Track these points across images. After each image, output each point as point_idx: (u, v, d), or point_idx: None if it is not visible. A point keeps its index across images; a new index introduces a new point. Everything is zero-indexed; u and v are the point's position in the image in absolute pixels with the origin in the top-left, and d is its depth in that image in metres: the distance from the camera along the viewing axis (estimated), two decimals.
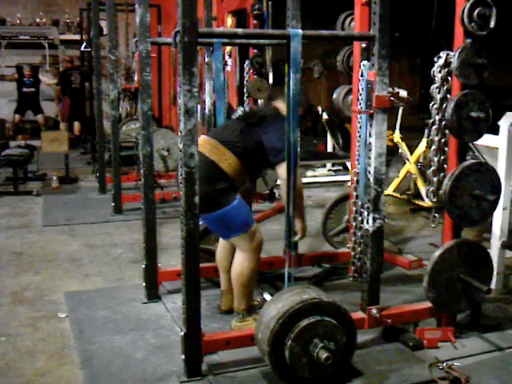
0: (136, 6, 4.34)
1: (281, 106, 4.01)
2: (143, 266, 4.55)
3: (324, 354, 3.14)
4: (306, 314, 3.21)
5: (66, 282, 4.98)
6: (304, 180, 8.49)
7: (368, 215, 3.61)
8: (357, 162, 4.38)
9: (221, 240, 4.26)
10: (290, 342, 3.17)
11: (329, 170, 9.56)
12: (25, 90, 12.72)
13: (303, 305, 3.22)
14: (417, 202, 7.39)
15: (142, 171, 4.52)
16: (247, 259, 3.89)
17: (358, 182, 4.03)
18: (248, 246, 3.88)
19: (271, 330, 3.19)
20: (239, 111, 4.12)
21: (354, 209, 4.46)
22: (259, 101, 6.76)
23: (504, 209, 4.56)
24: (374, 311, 3.70)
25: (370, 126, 3.52)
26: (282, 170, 3.77)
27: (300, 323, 3.19)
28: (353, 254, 4.48)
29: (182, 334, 3.36)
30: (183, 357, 3.37)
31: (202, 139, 3.95)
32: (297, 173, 3.63)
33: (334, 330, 3.24)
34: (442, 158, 3.73)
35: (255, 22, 6.84)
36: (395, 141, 7.68)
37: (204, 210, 3.61)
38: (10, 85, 13.06)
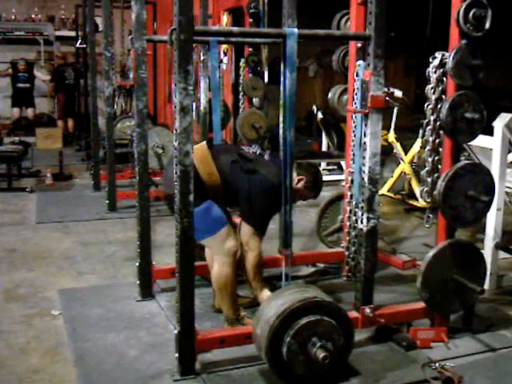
0: (132, 2, 4.33)
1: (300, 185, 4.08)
2: (137, 263, 4.54)
3: (322, 354, 3.15)
4: (306, 312, 3.22)
5: (59, 280, 4.97)
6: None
7: (362, 215, 3.62)
8: (351, 162, 4.40)
9: None
10: (288, 338, 3.18)
11: (323, 170, 9.56)
12: (20, 85, 12.69)
13: (304, 303, 3.23)
14: (411, 202, 7.40)
15: (136, 169, 4.52)
16: (220, 264, 3.91)
17: (352, 181, 4.04)
18: (218, 249, 3.90)
19: (271, 326, 3.19)
20: (251, 149, 4.13)
21: (348, 208, 4.48)
22: (254, 100, 6.76)
23: (498, 209, 4.58)
24: (368, 311, 3.70)
25: (365, 125, 3.52)
26: (244, 230, 3.88)
27: (300, 321, 3.19)
28: (347, 253, 4.50)
29: (175, 332, 3.36)
30: (177, 355, 3.37)
31: (202, 146, 4.00)
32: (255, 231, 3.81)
33: (333, 331, 3.25)
34: (437, 158, 3.74)
35: (251, 20, 6.84)
36: (390, 141, 7.69)
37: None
38: (4, 80, 13.02)
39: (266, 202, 3.86)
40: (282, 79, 3.43)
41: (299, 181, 4.03)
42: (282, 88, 3.43)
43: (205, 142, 4.08)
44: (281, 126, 3.51)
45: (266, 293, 3.93)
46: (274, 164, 4.00)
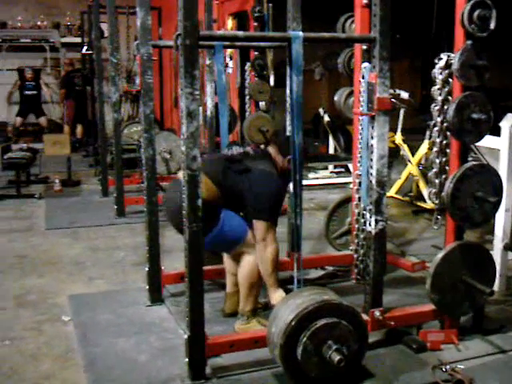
0: (137, 9, 4.34)
1: (273, 152, 4.09)
2: (146, 269, 4.55)
3: (337, 357, 3.14)
4: (324, 314, 3.21)
5: (69, 285, 4.99)
6: (306, 182, 8.51)
7: (370, 217, 3.61)
8: (359, 164, 4.40)
9: None
10: (304, 339, 3.17)
11: (331, 172, 9.56)
12: (27, 93, 12.76)
13: (324, 304, 3.23)
14: (419, 203, 7.38)
15: (144, 174, 4.53)
16: (255, 260, 3.91)
17: (360, 184, 4.04)
18: (253, 249, 3.89)
19: (288, 323, 3.17)
20: (233, 150, 4.10)
21: (356, 211, 4.47)
22: (261, 103, 6.77)
23: (506, 210, 4.56)
24: (377, 313, 3.69)
25: (372, 128, 3.52)
26: (258, 229, 3.83)
27: (318, 322, 3.18)
28: (355, 256, 4.48)
29: (185, 336, 3.36)
30: (187, 360, 3.38)
31: None
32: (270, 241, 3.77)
33: (349, 335, 3.25)
34: (444, 159, 3.73)
35: (256, 24, 6.86)
36: (397, 142, 7.68)
37: None
38: (9, 88, 13.07)
39: (272, 193, 3.86)
40: (288, 82, 3.44)
41: (289, 161, 4.02)
42: (288, 91, 3.44)
43: None
44: (288, 129, 3.53)
45: (280, 293, 3.91)
46: (262, 154, 4.06)
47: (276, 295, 3.90)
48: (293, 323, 3.17)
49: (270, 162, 4.03)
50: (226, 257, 4.29)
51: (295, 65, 3.36)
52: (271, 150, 4.13)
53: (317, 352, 3.20)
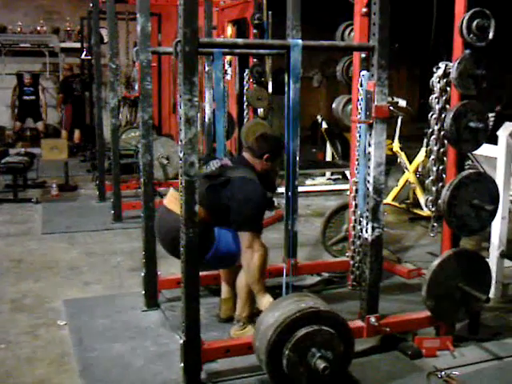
0: (137, 15, 4.36)
1: (249, 157, 4.08)
2: (142, 273, 4.56)
3: (322, 364, 3.13)
4: (303, 323, 3.20)
5: (65, 290, 4.98)
6: (303, 189, 8.52)
7: (367, 224, 3.63)
8: (356, 172, 4.41)
9: None
10: (287, 351, 3.16)
11: (328, 179, 9.58)
12: (25, 98, 12.78)
13: (301, 314, 3.21)
14: (416, 211, 7.39)
15: (141, 179, 4.54)
16: (256, 257, 3.88)
17: (357, 191, 4.05)
18: (252, 253, 3.88)
19: (268, 340, 3.18)
20: (211, 165, 4.02)
21: (353, 218, 4.49)
22: (259, 110, 6.79)
23: (503, 218, 4.58)
24: (373, 320, 3.70)
25: (369, 135, 3.54)
26: (243, 240, 3.79)
27: (297, 332, 3.17)
28: (352, 262, 4.50)
29: (181, 342, 3.36)
30: (182, 365, 3.38)
31: (171, 194, 4.02)
32: (256, 245, 3.74)
33: (332, 340, 3.24)
34: (441, 167, 3.75)
35: (255, 31, 6.88)
36: (394, 150, 7.70)
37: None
38: (8, 92, 13.07)
39: (254, 200, 3.80)
40: (286, 89, 3.46)
41: (267, 159, 4.05)
42: (286, 98, 3.46)
43: (171, 189, 4.09)
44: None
45: (268, 298, 3.86)
46: (239, 162, 4.07)
47: (264, 301, 3.85)
48: (272, 339, 3.17)
49: (248, 168, 4.00)
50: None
51: (293, 72, 3.38)
52: (246, 155, 4.12)
53: (302, 361, 3.19)
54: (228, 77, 8.13)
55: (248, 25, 7.43)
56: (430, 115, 3.73)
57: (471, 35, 3.48)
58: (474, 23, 3.47)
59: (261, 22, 6.79)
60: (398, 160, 7.73)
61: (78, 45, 12.49)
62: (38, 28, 13.40)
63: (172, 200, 3.91)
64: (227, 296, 4.26)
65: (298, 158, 4.14)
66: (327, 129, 9.79)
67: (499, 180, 4.47)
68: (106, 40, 8.19)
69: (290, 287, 3.62)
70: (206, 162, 4.03)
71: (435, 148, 3.73)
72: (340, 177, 9.59)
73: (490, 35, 3.52)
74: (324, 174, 9.66)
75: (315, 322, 3.22)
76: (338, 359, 3.25)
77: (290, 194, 3.72)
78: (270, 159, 4.06)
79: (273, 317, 3.27)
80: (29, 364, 3.76)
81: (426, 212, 6.88)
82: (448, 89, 3.68)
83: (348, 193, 4.86)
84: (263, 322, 3.34)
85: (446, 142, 3.68)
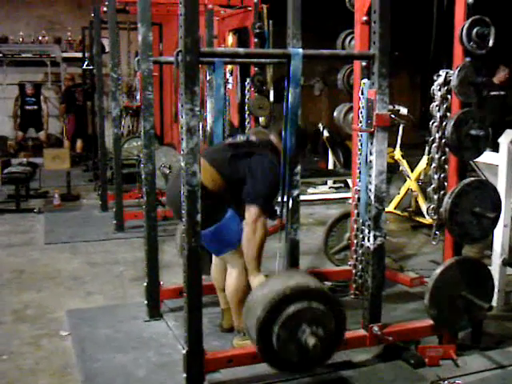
0: (138, 24, 4.38)
1: (276, 140, 4.05)
2: (145, 283, 4.55)
3: (312, 341, 3.12)
4: (293, 299, 3.18)
5: (68, 300, 4.98)
6: (305, 197, 8.51)
7: (369, 233, 3.62)
8: (358, 180, 4.41)
9: (214, 259, 4.26)
10: (277, 328, 3.14)
11: (330, 188, 9.58)
12: (27, 107, 12.79)
13: (290, 290, 3.19)
14: (418, 219, 7.40)
15: (143, 189, 4.55)
16: (239, 274, 3.90)
17: (359, 199, 4.05)
18: (239, 262, 3.88)
19: (258, 318, 3.16)
20: (238, 137, 4.11)
21: (355, 226, 4.48)
22: (260, 119, 6.79)
23: (505, 226, 4.58)
24: (376, 329, 3.70)
25: (371, 144, 3.54)
26: (250, 212, 3.77)
27: (287, 309, 3.15)
28: (354, 271, 4.49)
29: (183, 352, 3.36)
30: (185, 375, 3.36)
31: None
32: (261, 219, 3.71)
33: (323, 316, 3.21)
34: (443, 175, 3.75)
35: (256, 40, 6.88)
36: (396, 158, 7.70)
37: None
38: (10, 102, 13.09)
39: (271, 179, 3.80)
40: (285, 95, 3.46)
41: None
42: (285, 104, 3.47)
43: None
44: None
45: (260, 278, 3.78)
46: (266, 142, 4.06)
47: (256, 281, 3.78)
48: (262, 317, 3.15)
49: (272, 153, 3.97)
50: (213, 273, 4.28)
51: (293, 78, 3.38)
52: (274, 138, 4.09)
53: (292, 339, 3.16)
54: (229, 86, 8.13)
55: (249, 34, 7.43)
56: (431, 123, 3.72)
57: (471, 43, 3.49)
58: (474, 31, 3.48)
59: (262, 31, 6.79)
60: (400, 168, 7.73)
61: (79, 54, 12.49)
62: (40, 38, 13.42)
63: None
64: (225, 306, 4.24)
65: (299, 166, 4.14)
66: (329, 137, 9.79)
67: (501, 187, 4.47)
68: (107, 50, 8.19)
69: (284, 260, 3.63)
70: (233, 136, 4.04)
71: (436, 156, 3.73)
72: (342, 185, 9.59)
73: (490, 43, 3.53)
74: (326, 183, 9.66)
75: (305, 299, 3.20)
76: (329, 336, 3.22)
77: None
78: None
79: (262, 294, 3.26)
80: (32, 375, 3.76)
81: (428, 220, 6.87)
82: (449, 97, 3.68)
83: (350, 201, 4.86)
84: (252, 300, 3.32)
85: (447, 149, 3.68)
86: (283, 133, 3.60)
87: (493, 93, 8.39)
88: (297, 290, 3.22)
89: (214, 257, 4.26)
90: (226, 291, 4.01)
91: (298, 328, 3.17)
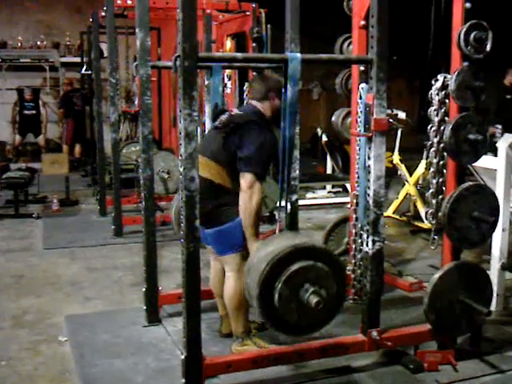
0: (137, 29, 4.38)
1: (258, 104, 4.00)
2: (144, 289, 4.55)
3: (314, 299, 3.10)
4: (298, 257, 3.16)
5: (66, 306, 4.98)
6: (304, 202, 8.51)
7: (367, 238, 3.62)
8: (356, 185, 4.40)
9: (213, 265, 4.26)
10: (280, 285, 3.12)
11: (328, 192, 9.57)
12: (26, 112, 12.78)
13: (295, 248, 3.18)
14: (416, 223, 7.40)
15: (142, 194, 4.54)
16: (237, 280, 3.88)
17: (357, 204, 4.05)
18: (238, 267, 3.87)
19: (261, 272, 3.13)
20: (220, 119, 4.02)
21: (353, 231, 4.48)
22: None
23: (503, 230, 4.57)
24: (375, 334, 3.69)
25: (369, 148, 3.54)
26: (244, 180, 3.72)
27: (291, 266, 3.14)
28: (353, 276, 4.49)
29: (182, 357, 3.35)
30: (184, 381, 3.35)
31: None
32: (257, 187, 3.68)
33: (326, 278, 3.19)
34: (441, 180, 3.75)
35: (254, 44, 6.89)
36: (394, 162, 7.71)
37: (206, 225, 3.75)
38: (8, 107, 13.10)
39: (260, 141, 3.75)
40: (283, 96, 3.46)
41: (273, 97, 3.97)
42: (283, 103, 3.46)
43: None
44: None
45: (258, 245, 3.70)
46: (247, 109, 4.04)
47: (254, 246, 3.72)
48: (265, 271, 3.13)
49: (256, 114, 3.94)
50: (212, 280, 4.27)
51: (292, 77, 3.37)
52: (253, 102, 4.03)
53: (294, 297, 3.15)
54: (228, 90, 8.14)
55: (247, 39, 7.44)
56: (429, 127, 3.73)
57: (469, 47, 3.49)
58: (472, 35, 3.48)
59: (260, 36, 6.81)
60: (399, 172, 7.73)
61: (78, 59, 12.50)
62: (39, 43, 13.43)
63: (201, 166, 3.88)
64: (224, 312, 4.23)
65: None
66: (327, 141, 9.79)
67: (499, 192, 4.47)
68: (105, 54, 8.19)
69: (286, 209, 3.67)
70: (216, 117, 4.04)
71: (435, 160, 3.73)
72: (341, 190, 9.59)
73: (488, 47, 3.53)
74: (324, 187, 9.65)
75: (310, 258, 3.18)
76: (331, 299, 3.21)
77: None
78: (277, 96, 3.94)
79: (265, 251, 3.24)
80: (30, 381, 3.75)
81: (426, 224, 6.88)
82: (447, 101, 3.68)
83: (348, 206, 4.85)
84: (255, 257, 3.31)
85: (445, 154, 3.69)
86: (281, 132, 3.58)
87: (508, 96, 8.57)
88: (302, 248, 3.19)
89: (212, 264, 4.26)
90: (224, 296, 4.00)
91: (301, 286, 3.14)
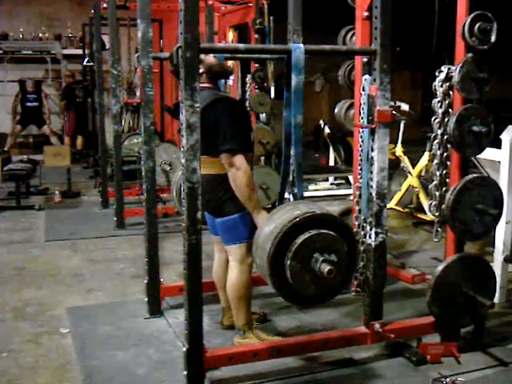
0: (138, 21, 4.35)
1: (207, 84, 3.88)
2: (145, 281, 4.54)
3: (327, 267, 3.07)
4: (300, 230, 3.13)
5: (68, 298, 4.97)
6: (306, 194, 8.49)
7: (370, 230, 3.60)
8: (359, 176, 4.39)
9: (218, 257, 4.24)
10: (289, 261, 3.10)
11: (331, 184, 9.55)
12: (28, 104, 12.76)
13: (296, 221, 3.15)
14: (419, 215, 7.38)
15: (144, 186, 4.53)
16: (240, 272, 3.87)
17: (360, 196, 4.03)
18: (243, 258, 3.86)
19: (268, 253, 3.12)
20: None
21: (356, 223, 4.45)
22: (261, 115, 6.78)
23: (507, 223, 4.56)
24: (377, 326, 3.68)
25: (372, 140, 3.52)
26: (224, 161, 3.66)
27: (296, 240, 3.11)
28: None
29: (184, 349, 3.34)
30: (185, 373, 3.35)
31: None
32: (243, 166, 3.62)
33: (334, 242, 3.17)
34: (444, 172, 3.73)
35: (257, 36, 6.87)
36: (397, 154, 7.68)
37: (215, 215, 3.83)
38: (10, 99, 13.07)
39: (226, 115, 3.68)
40: (287, 86, 3.44)
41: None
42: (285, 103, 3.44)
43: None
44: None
45: (263, 215, 3.66)
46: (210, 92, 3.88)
47: (259, 218, 3.66)
48: (272, 251, 3.11)
49: (213, 90, 3.89)
50: (215, 273, 4.25)
51: (296, 67, 3.35)
52: (203, 85, 3.81)
53: (306, 269, 3.12)
54: (230, 82, 8.11)
55: (249, 30, 7.41)
56: (433, 119, 3.71)
57: (473, 38, 3.47)
58: (476, 26, 3.46)
59: (262, 27, 6.78)
60: (401, 164, 7.70)
61: (79, 51, 12.48)
62: (40, 35, 13.42)
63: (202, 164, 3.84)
64: (227, 304, 4.21)
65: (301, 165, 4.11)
66: (330, 133, 9.77)
67: (503, 184, 4.45)
68: (107, 46, 8.17)
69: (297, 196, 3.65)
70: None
71: (438, 152, 3.71)
72: (343, 182, 9.57)
73: (493, 38, 3.50)
74: (327, 179, 9.63)
75: (313, 227, 3.15)
76: (343, 260, 3.18)
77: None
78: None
79: (269, 230, 3.23)
80: (31, 372, 3.74)
81: (429, 217, 6.85)
82: (451, 93, 3.66)
83: (351, 198, 4.84)
84: (260, 236, 3.30)
85: (449, 146, 3.66)
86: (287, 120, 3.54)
87: None
88: (303, 220, 3.16)
89: (216, 256, 4.25)
90: (227, 289, 3.99)
91: (311, 258, 3.12)
